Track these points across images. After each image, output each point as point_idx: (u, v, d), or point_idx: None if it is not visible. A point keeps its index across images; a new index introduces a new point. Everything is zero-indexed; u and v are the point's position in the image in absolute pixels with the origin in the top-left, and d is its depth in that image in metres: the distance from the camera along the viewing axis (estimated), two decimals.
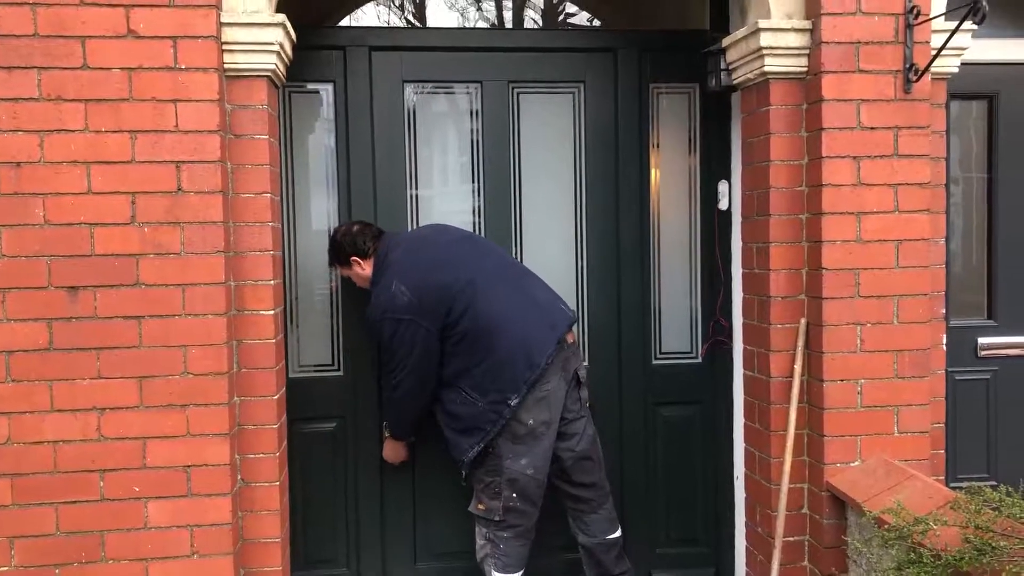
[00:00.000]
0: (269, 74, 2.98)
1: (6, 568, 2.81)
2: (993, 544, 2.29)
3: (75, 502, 2.83)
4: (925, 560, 2.41)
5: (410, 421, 3.40)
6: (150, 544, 2.86)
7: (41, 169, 2.76)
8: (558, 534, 3.52)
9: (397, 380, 3.22)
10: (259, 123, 2.98)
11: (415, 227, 3.61)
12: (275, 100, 3.19)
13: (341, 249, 3.35)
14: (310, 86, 3.58)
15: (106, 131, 2.77)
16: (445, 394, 3.25)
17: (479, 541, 3.32)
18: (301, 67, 3.39)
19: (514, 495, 3.18)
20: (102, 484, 2.83)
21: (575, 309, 3.70)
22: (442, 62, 3.64)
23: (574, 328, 3.40)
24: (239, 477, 3.01)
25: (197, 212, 2.83)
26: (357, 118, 3.56)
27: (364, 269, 3.33)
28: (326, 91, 3.59)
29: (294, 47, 3.17)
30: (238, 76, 2.94)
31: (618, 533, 3.44)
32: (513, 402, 3.10)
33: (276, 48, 2.95)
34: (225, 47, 2.88)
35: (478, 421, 3.15)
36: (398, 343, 3.15)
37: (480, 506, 3.27)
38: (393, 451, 3.56)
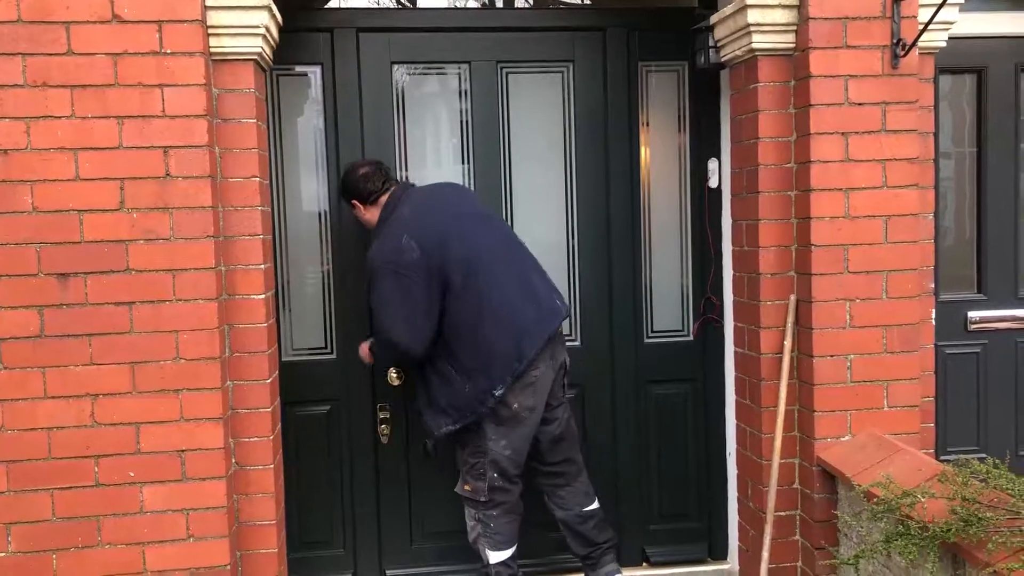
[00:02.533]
0: (256, 57, 2.97)
1: (3, 554, 2.82)
2: (979, 515, 2.31)
3: (70, 488, 2.84)
4: (912, 532, 2.44)
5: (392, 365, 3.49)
6: (146, 528, 2.88)
7: (28, 156, 2.75)
8: (545, 512, 3.53)
9: (390, 333, 3.14)
10: (246, 107, 2.97)
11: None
12: (262, 83, 3.18)
13: (344, 188, 3.36)
14: (298, 69, 3.57)
15: (92, 117, 2.76)
16: (429, 370, 3.23)
17: (469, 522, 3.34)
18: (288, 50, 3.37)
19: (495, 475, 3.21)
20: (97, 470, 2.85)
21: (567, 288, 3.72)
22: (431, 43, 3.63)
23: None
24: (233, 461, 3.02)
25: (186, 197, 2.82)
26: (346, 100, 3.55)
27: (364, 213, 3.33)
28: (314, 73, 3.58)
29: (280, 30, 3.15)
30: (224, 60, 2.93)
31: (595, 505, 3.45)
32: (498, 392, 3.11)
33: (262, 31, 2.93)
34: (210, 31, 2.86)
35: (460, 404, 3.15)
36: (392, 293, 3.09)
37: (466, 487, 3.29)
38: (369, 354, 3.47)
